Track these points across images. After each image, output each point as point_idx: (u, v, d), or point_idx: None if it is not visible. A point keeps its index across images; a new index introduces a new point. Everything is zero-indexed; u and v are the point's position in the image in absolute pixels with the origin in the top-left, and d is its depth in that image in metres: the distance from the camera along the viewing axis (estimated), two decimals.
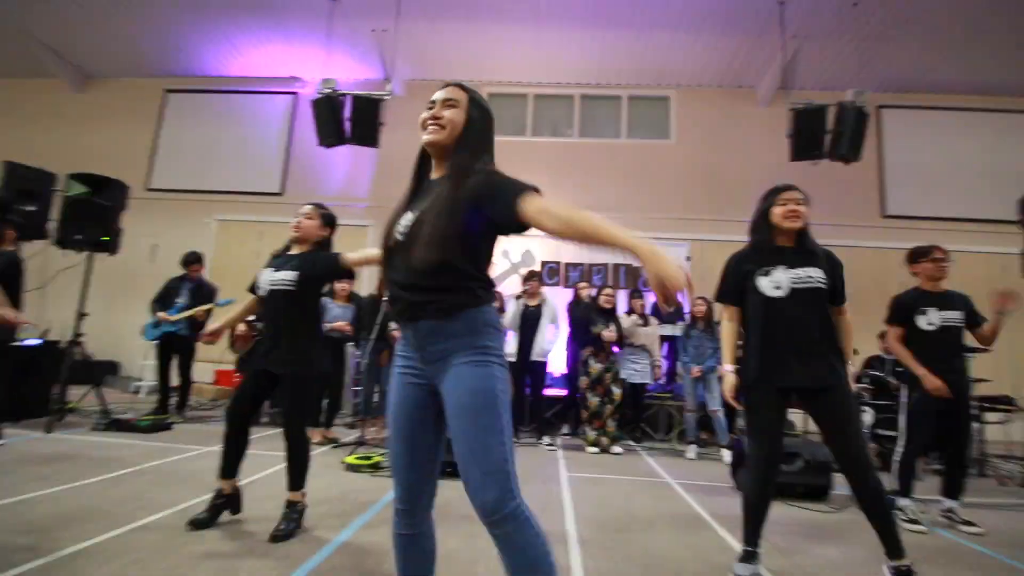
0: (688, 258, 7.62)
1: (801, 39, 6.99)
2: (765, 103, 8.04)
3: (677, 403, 5.84)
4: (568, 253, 7.64)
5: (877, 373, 5.01)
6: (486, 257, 1.36)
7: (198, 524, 2.26)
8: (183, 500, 2.64)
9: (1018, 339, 6.91)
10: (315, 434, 4.46)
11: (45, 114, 8.86)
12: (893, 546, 1.92)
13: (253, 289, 2.49)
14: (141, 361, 7.26)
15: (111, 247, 4.60)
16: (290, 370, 2.33)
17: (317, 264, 2.40)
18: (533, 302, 5.22)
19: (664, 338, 6.26)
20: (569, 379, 5.66)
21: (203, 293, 5.17)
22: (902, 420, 3.02)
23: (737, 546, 2.41)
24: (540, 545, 1.19)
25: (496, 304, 5.29)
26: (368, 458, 3.60)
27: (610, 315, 5.04)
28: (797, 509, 3.14)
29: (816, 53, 7.26)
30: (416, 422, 1.32)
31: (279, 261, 2.43)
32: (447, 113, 1.34)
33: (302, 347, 2.36)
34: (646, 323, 5.57)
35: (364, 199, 8.26)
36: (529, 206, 1.18)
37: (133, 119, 8.70)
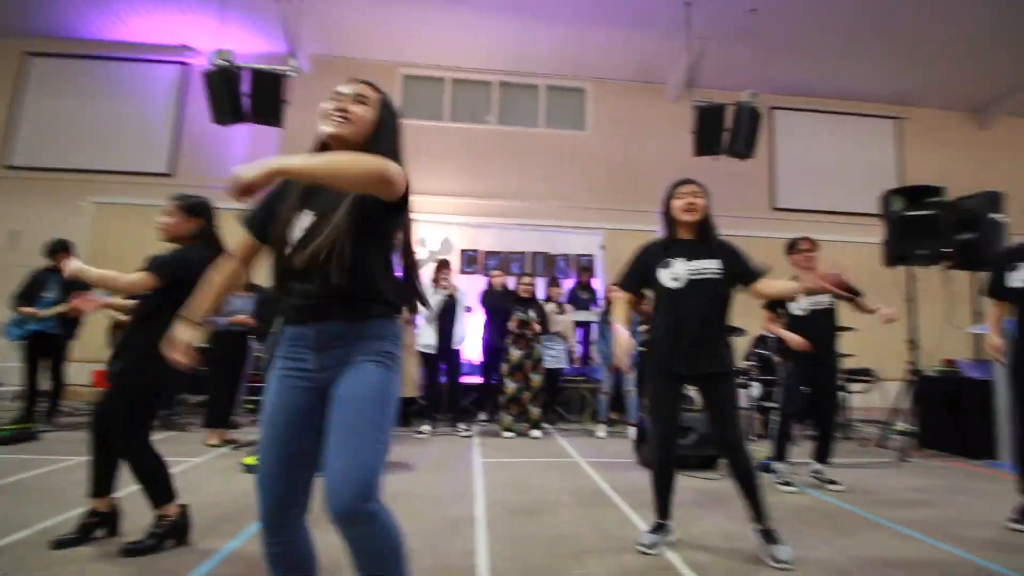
0: (602, 247, 7.89)
1: (705, 40, 7.39)
2: (674, 99, 8.45)
3: (590, 386, 6.08)
4: (486, 242, 7.65)
5: (762, 351, 5.50)
6: (391, 258, 1.32)
7: (63, 544, 2.03)
8: (46, 517, 2.36)
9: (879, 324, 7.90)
10: (212, 436, 4.16)
11: None
12: (758, 512, 2.14)
13: None
14: (2, 363, 6.37)
15: None
16: (115, 381, 2.13)
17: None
18: (447, 291, 5.19)
19: (578, 324, 6.47)
20: (485, 367, 5.70)
21: (76, 286, 4.59)
22: (778, 393, 3.37)
23: (638, 520, 2.56)
24: (396, 554, 1.17)
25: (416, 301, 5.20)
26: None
27: (529, 303, 5.12)
28: (691, 479, 3.39)
29: (719, 54, 7.72)
30: (296, 428, 1.23)
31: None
32: (356, 109, 1.27)
33: (132, 355, 2.13)
34: (562, 311, 5.72)
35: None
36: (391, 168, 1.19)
37: None
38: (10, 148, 7.44)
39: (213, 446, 4.05)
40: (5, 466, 3.22)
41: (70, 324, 4.58)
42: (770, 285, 2.20)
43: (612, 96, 8.58)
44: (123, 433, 2.07)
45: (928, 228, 4.31)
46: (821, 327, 3.29)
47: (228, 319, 4.36)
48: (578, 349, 6.49)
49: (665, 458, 2.22)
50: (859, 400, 5.88)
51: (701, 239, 2.25)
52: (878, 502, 2.95)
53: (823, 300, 3.29)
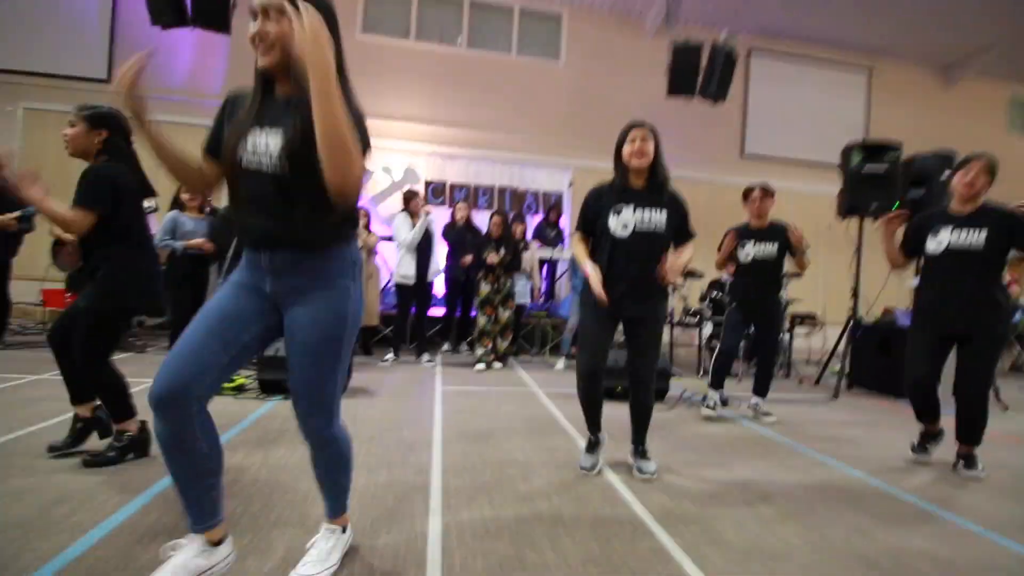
0: (571, 184, 7.84)
1: None
2: (651, 34, 8.16)
3: (552, 320, 6.26)
4: (453, 173, 7.47)
5: (716, 294, 5.74)
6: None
7: (55, 449, 2.13)
8: (10, 430, 2.35)
9: (831, 266, 8.28)
10: None
11: None
12: (642, 436, 2.40)
13: None
14: None
15: None
16: (85, 304, 2.09)
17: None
18: (428, 217, 5.08)
19: (543, 261, 6.54)
20: (448, 298, 5.76)
21: (4, 200, 4.28)
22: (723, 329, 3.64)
23: (583, 443, 2.73)
24: (346, 454, 1.44)
25: (362, 223, 5.09)
26: (231, 380, 3.44)
27: (501, 241, 5.08)
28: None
29: None
30: (232, 319, 1.24)
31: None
32: (273, 28, 1.16)
33: (105, 283, 2.10)
34: (526, 248, 5.74)
35: (218, 95, 7.22)
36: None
37: None
38: None
39: None
40: None
41: (9, 242, 4.32)
42: (683, 253, 2.26)
43: (589, 26, 8.20)
44: (85, 353, 2.06)
45: (881, 182, 4.45)
46: (763, 273, 3.47)
47: (184, 243, 4.21)
48: (543, 285, 6.60)
49: (588, 384, 2.31)
50: (803, 342, 6.28)
51: (651, 186, 2.25)
52: (804, 434, 3.23)
53: (769, 248, 3.41)
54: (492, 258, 4.94)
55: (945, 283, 2.55)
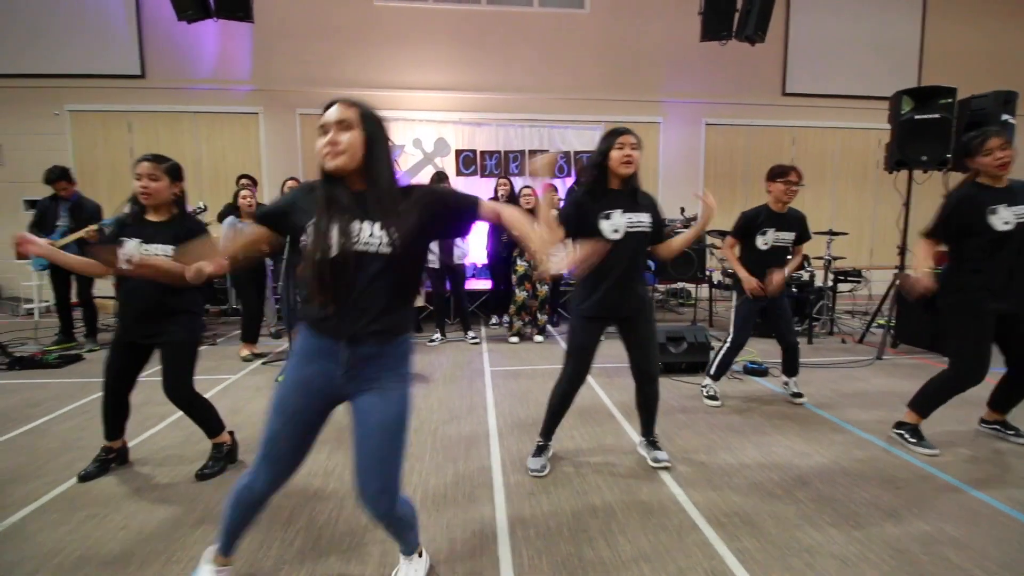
0: None
1: None
2: None
3: None
4: (483, 140, 7.43)
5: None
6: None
7: (86, 477, 2.36)
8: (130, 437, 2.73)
9: (878, 212, 7.95)
10: (243, 348, 4.54)
11: None
12: (651, 427, 2.56)
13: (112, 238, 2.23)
14: (24, 282, 6.61)
15: None
16: (164, 340, 2.28)
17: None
18: None
19: None
20: (491, 270, 5.94)
21: (84, 212, 4.66)
22: (732, 319, 3.45)
23: (631, 431, 2.94)
24: (410, 515, 1.57)
25: None
26: None
27: (532, 213, 5.16)
28: (681, 383, 3.77)
29: None
30: (311, 410, 1.40)
31: (147, 231, 2.20)
32: (344, 137, 1.32)
33: (177, 317, 2.28)
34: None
35: (245, 81, 7.33)
36: (485, 210, 1.45)
37: None
38: None
39: (245, 359, 4.45)
40: (65, 392, 3.58)
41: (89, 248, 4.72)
42: (669, 246, 2.38)
43: None
44: (188, 388, 2.36)
45: (933, 131, 4.23)
46: (781, 261, 3.29)
47: None
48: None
49: (570, 392, 2.44)
50: (846, 298, 6.19)
51: (629, 190, 2.32)
52: (846, 406, 3.33)
53: (787, 236, 3.28)
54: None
55: (1011, 260, 2.48)
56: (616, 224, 2.28)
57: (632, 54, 7.77)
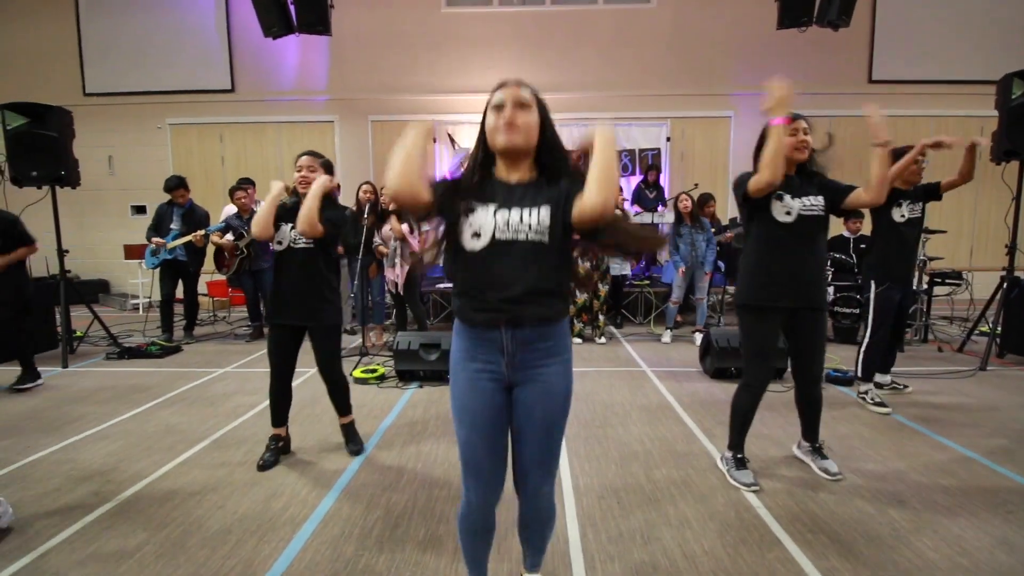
0: (668, 138, 7.47)
1: None
2: None
3: (655, 289, 6.20)
4: None
5: (838, 255, 5.31)
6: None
7: (265, 466, 2.51)
8: (215, 429, 2.97)
9: (980, 208, 7.22)
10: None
11: None
12: (815, 433, 2.44)
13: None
14: (131, 279, 7.32)
15: (71, 181, 4.42)
16: (314, 323, 2.54)
17: (343, 230, 2.55)
18: None
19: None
20: None
21: (195, 218, 5.16)
22: (870, 312, 3.22)
23: (702, 436, 2.84)
24: (553, 521, 1.53)
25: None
26: (373, 371, 3.93)
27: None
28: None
29: None
30: (500, 424, 1.35)
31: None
32: (523, 117, 1.28)
33: (329, 304, 2.55)
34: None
35: (322, 91, 7.73)
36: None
37: (48, 18, 7.68)
38: (84, 77, 7.73)
39: None
40: (168, 380, 3.94)
41: (198, 253, 5.17)
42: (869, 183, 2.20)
43: None
44: (341, 367, 2.69)
45: None
46: (916, 237, 3.20)
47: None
48: None
49: (758, 398, 2.32)
50: (943, 303, 5.67)
51: (801, 174, 2.27)
52: (946, 421, 3.05)
53: (915, 207, 3.15)
54: None
55: None
56: (788, 206, 2.20)
57: (700, 46, 7.50)
